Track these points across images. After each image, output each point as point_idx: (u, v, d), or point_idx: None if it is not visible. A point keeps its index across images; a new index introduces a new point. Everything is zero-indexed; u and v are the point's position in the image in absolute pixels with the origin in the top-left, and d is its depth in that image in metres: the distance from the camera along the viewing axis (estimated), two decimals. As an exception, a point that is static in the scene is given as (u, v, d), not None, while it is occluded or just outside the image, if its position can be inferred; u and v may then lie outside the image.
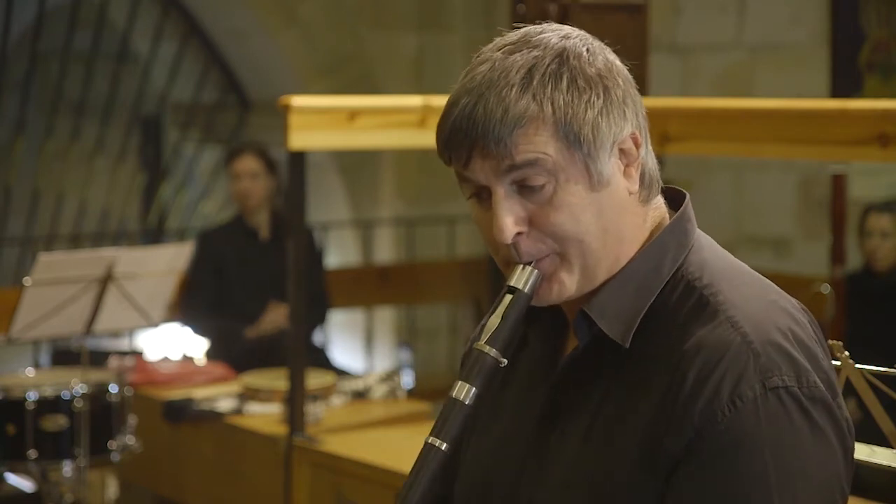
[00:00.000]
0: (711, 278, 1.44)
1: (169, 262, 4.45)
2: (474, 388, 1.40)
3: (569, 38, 1.46)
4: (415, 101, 4.00)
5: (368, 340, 7.07)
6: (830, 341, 2.00)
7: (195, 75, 7.37)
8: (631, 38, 4.29)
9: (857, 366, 2.01)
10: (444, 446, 1.38)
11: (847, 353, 2.00)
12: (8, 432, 4.20)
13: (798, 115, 3.30)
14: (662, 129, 3.40)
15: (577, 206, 1.42)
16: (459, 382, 1.41)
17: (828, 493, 1.37)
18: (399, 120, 3.99)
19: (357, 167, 7.20)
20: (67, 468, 4.24)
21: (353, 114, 3.90)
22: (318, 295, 5.47)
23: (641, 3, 4.32)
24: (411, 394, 5.31)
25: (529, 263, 1.42)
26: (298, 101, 3.81)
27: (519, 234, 1.42)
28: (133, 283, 4.30)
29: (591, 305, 1.45)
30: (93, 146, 7.42)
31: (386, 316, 7.18)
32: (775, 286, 1.48)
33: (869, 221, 5.21)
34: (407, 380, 4.82)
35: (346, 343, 7.21)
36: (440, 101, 4.34)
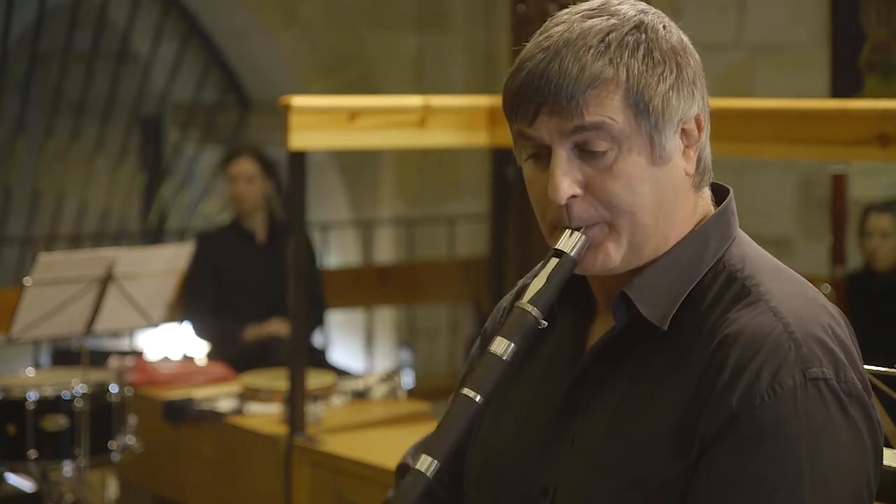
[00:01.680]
0: (753, 270, 1.45)
1: (169, 262, 4.45)
2: (513, 345, 1.39)
3: (646, 13, 1.47)
4: (415, 101, 4.00)
5: (368, 340, 7.07)
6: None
7: (195, 75, 7.37)
8: (631, 38, 4.29)
9: (858, 366, 2.01)
10: (478, 398, 1.37)
11: (847, 353, 2.01)
12: (8, 432, 4.20)
13: (798, 115, 3.30)
14: (662, 129, 3.39)
15: (635, 178, 1.42)
16: (499, 338, 1.39)
17: (856, 489, 1.37)
18: (399, 120, 3.99)
19: (357, 167, 7.20)
20: (67, 468, 4.24)
21: (353, 114, 3.90)
22: (314, 297, 5.47)
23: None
24: (411, 394, 5.31)
25: (578, 229, 1.42)
26: (298, 101, 3.81)
27: (573, 196, 1.42)
28: (133, 283, 4.30)
29: (632, 287, 1.44)
30: (93, 146, 7.42)
31: (386, 316, 7.17)
32: (813, 286, 1.47)
33: (869, 221, 5.21)
34: (407, 380, 4.83)
35: (346, 343, 7.21)
36: (440, 101, 4.35)
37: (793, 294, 1.43)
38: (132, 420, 4.39)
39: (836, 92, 5.77)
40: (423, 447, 1.38)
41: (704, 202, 1.51)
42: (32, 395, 4.20)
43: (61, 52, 7.09)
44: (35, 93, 7.53)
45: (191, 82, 7.40)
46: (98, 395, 4.29)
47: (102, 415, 4.30)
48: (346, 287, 6.56)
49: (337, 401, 4.62)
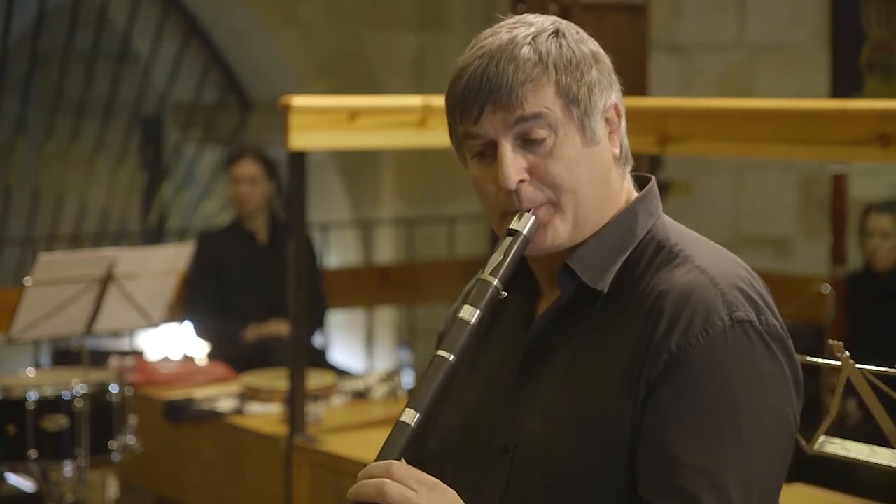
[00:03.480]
0: (678, 239, 1.64)
1: (169, 262, 4.45)
2: (478, 311, 1.56)
3: (559, 22, 1.66)
4: (415, 101, 4.00)
5: (369, 340, 7.07)
6: (831, 341, 2.01)
7: (195, 75, 7.37)
8: (631, 38, 4.29)
9: (858, 366, 2.01)
10: (451, 358, 1.54)
11: (847, 353, 2.01)
12: (8, 432, 4.20)
13: (798, 115, 3.30)
14: (662, 129, 3.40)
15: (573, 159, 1.60)
16: (465, 305, 1.57)
17: (783, 414, 1.55)
18: (399, 120, 3.99)
19: (357, 167, 7.20)
20: (68, 468, 4.24)
21: (354, 114, 3.90)
22: (315, 298, 5.47)
23: (641, 3, 4.32)
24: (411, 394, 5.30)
25: (528, 210, 1.59)
26: (299, 101, 3.81)
27: (521, 181, 1.59)
28: (133, 283, 4.30)
29: (573, 259, 1.62)
30: (93, 146, 7.42)
31: (386, 316, 7.18)
32: (731, 253, 1.66)
33: (869, 221, 5.21)
34: (407, 380, 4.82)
35: (346, 343, 7.21)
36: (440, 101, 4.34)
37: (714, 255, 1.62)
38: (132, 420, 4.39)
39: (837, 92, 5.77)
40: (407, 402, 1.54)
41: (629, 186, 1.69)
42: (33, 395, 4.20)
43: (61, 52, 7.09)
44: (35, 93, 7.54)
45: (191, 82, 7.40)
46: (98, 395, 4.29)
47: (103, 415, 4.30)
48: (347, 287, 6.56)
49: (337, 401, 4.62)
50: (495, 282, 1.57)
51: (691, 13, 6.56)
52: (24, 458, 4.20)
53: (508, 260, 1.58)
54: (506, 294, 1.58)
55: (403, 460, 1.52)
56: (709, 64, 6.50)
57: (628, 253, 1.63)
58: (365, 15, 7.11)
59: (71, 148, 7.52)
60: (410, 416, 1.53)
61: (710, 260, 1.60)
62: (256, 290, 5.54)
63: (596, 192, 1.62)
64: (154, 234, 7.55)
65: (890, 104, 3.12)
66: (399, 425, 1.53)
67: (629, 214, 1.65)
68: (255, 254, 5.59)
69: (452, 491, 1.52)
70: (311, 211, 5.24)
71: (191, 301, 5.51)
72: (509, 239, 1.59)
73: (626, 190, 1.68)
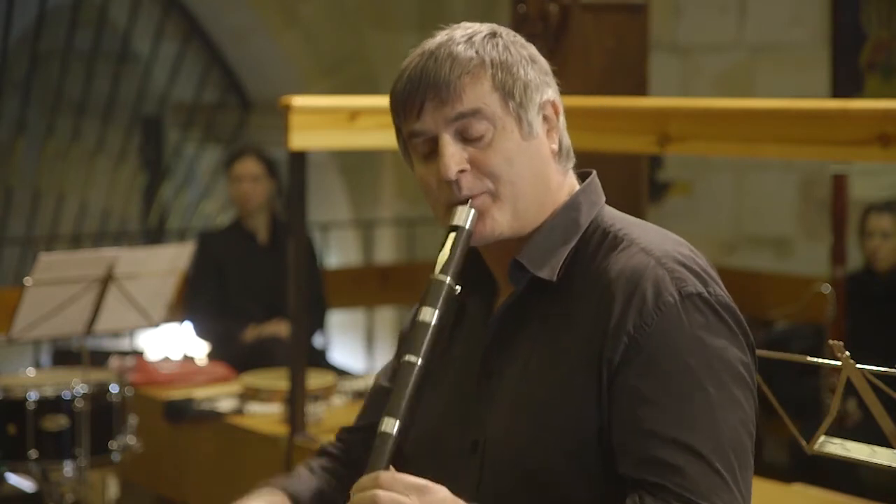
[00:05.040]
0: (622, 224, 1.71)
1: (170, 262, 4.44)
2: (437, 311, 1.62)
3: (497, 27, 1.74)
4: (415, 101, 3.98)
5: (369, 340, 7.07)
6: (830, 341, 2.00)
7: (196, 75, 7.37)
8: (631, 38, 4.29)
9: (858, 366, 2.01)
10: (419, 361, 1.58)
11: (847, 353, 2.01)
12: (9, 432, 4.20)
13: (799, 115, 3.29)
14: (662, 129, 3.40)
15: (511, 151, 1.66)
16: (423, 307, 1.62)
17: (741, 375, 1.61)
18: (399, 120, 3.98)
19: (357, 167, 7.20)
20: (68, 468, 4.24)
21: (354, 114, 3.90)
22: (315, 299, 5.47)
23: (641, 3, 4.32)
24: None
25: (467, 202, 1.65)
26: (299, 101, 3.81)
27: (461, 171, 1.65)
28: (134, 283, 4.30)
29: (522, 254, 1.68)
30: (93, 146, 7.42)
31: (386, 316, 7.18)
32: (673, 233, 1.73)
33: (870, 222, 5.21)
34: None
35: (346, 343, 7.22)
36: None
37: (657, 236, 1.69)
38: (133, 420, 4.39)
39: (837, 92, 5.77)
40: (384, 411, 1.58)
41: (571, 181, 1.76)
42: (33, 395, 4.20)
43: (61, 52, 7.09)
44: (35, 93, 7.54)
45: (191, 82, 7.40)
46: (98, 395, 4.29)
47: (103, 415, 4.30)
48: (347, 287, 6.56)
49: (337, 401, 4.62)
50: (447, 279, 1.63)
51: (691, 13, 6.56)
52: (24, 458, 4.20)
53: (456, 255, 1.64)
54: (459, 288, 1.64)
55: (392, 468, 1.54)
56: (709, 64, 6.50)
57: (574, 242, 1.69)
58: (366, 15, 7.11)
59: (71, 148, 7.52)
60: (391, 425, 1.56)
61: (652, 241, 1.66)
62: (257, 290, 5.55)
63: (534, 184, 1.68)
64: (154, 234, 7.55)
65: (890, 104, 3.11)
66: (380, 436, 1.55)
67: (572, 205, 1.72)
68: (255, 254, 5.59)
69: (443, 488, 1.54)
70: (311, 211, 5.24)
71: (191, 301, 5.51)
72: (453, 234, 1.65)
73: (569, 185, 1.74)
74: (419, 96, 1.65)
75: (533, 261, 1.68)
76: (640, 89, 4.27)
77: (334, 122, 3.89)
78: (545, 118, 1.70)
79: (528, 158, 1.67)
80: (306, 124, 3.81)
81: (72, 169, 7.56)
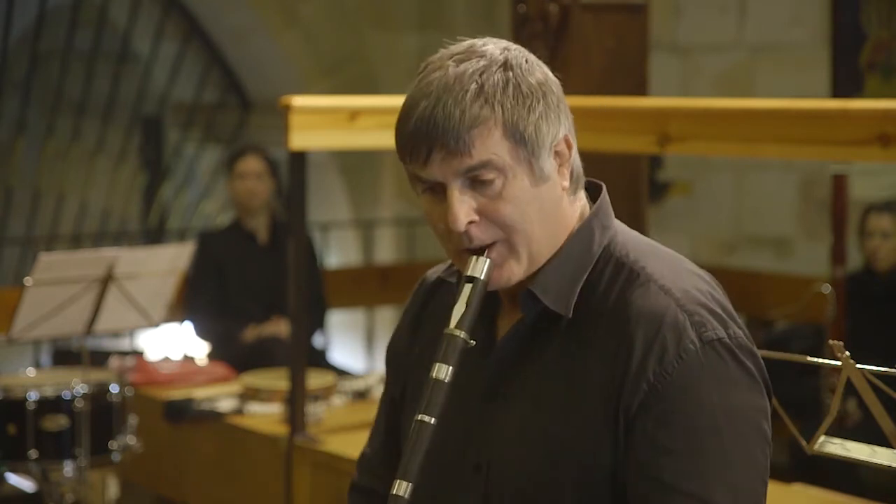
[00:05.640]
0: (637, 254, 1.67)
1: (170, 262, 4.44)
2: (451, 367, 1.58)
3: (509, 49, 1.64)
4: (415, 101, 3.98)
5: (369, 340, 7.07)
6: (831, 341, 2.01)
7: (196, 75, 7.37)
8: (631, 38, 4.29)
9: (858, 366, 2.01)
10: (432, 421, 1.56)
11: (847, 353, 2.01)
12: (9, 432, 4.20)
13: (799, 115, 3.30)
14: (662, 129, 3.40)
15: (522, 199, 1.61)
16: (438, 364, 1.58)
17: (758, 423, 1.60)
18: (399, 120, 3.98)
19: (357, 167, 7.20)
20: (68, 468, 4.24)
21: (354, 114, 3.90)
22: (316, 299, 5.47)
23: (642, 3, 4.32)
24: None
25: (482, 252, 1.62)
26: (299, 101, 3.81)
27: (471, 222, 1.61)
28: (134, 283, 4.30)
29: (535, 284, 1.65)
30: (93, 146, 7.42)
31: (386, 316, 7.18)
32: (683, 258, 1.71)
33: (869, 222, 5.21)
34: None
35: (346, 343, 7.22)
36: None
37: (672, 270, 1.65)
38: (133, 420, 4.39)
39: (837, 92, 5.77)
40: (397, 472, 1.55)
41: (581, 202, 1.71)
42: (33, 395, 4.20)
43: (61, 52, 7.09)
44: (35, 93, 7.54)
45: (191, 82, 7.40)
46: (98, 395, 4.29)
47: (103, 415, 4.30)
48: (347, 287, 6.56)
49: (337, 401, 4.62)
50: (462, 334, 1.59)
51: (691, 13, 6.56)
52: (24, 458, 4.20)
53: (472, 309, 1.61)
54: (474, 343, 1.60)
55: None
56: (709, 64, 6.50)
57: (588, 272, 1.66)
58: (366, 15, 7.11)
59: (71, 148, 7.52)
60: (403, 489, 1.53)
61: (670, 277, 1.63)
62: (256, 290, 5.55)
63: (546, 227, 1.64)
64: (154, 234, 7.55)
65: (890, 104, 3.12)
66: (393, 498, 1.52)
67: (585, 232, 1.68)
68: (255, 254, 5.59)
69: None
70: (311, 211, 5.24)
71: (191, 301, 5.51)
72: (469, 286, 1.61)
73: (580, 207, 1.70)
74: (426, 144, 1.59)
75: (546, 293, 1.64)
76: (640, 89, 4.26)
77: (334, 122, 3.89)
78: (557, 154, 1.65)
79: (540, 203, 1.63)
80: (306, 124, 3.81)
81: (72, 169, 7.56)
